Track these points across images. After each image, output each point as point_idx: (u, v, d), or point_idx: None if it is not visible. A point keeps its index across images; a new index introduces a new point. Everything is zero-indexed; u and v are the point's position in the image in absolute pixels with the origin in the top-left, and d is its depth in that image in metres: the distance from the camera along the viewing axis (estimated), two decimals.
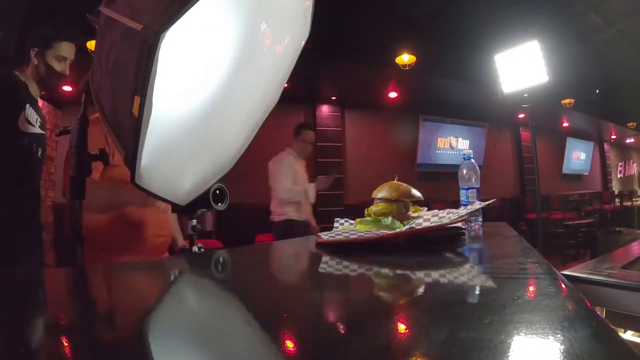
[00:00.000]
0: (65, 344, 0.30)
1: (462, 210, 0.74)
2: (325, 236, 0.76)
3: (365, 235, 0.69)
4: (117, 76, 0.67)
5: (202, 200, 0.81)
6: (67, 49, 1.33)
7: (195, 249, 0.84)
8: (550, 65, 2.96)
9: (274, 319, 0.34)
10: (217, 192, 0.82)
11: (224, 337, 0.32)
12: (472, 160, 0.98)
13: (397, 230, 0.70)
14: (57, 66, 1.32)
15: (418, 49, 4.33)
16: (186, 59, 0.70)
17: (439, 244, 0.67)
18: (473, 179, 0.95)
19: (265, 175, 2.70)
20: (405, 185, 0.80)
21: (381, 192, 0.79)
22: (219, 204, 0.82)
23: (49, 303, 0.46)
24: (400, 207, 0.77)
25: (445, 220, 0.68)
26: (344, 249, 0.68)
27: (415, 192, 0.80)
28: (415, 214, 0.82)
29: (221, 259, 0.75)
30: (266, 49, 0.84)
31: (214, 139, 0.87)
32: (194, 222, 0.84)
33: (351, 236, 0.71)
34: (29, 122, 1.32)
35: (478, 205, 0.81)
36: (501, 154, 7.15)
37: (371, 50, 4.22)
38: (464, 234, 0.73)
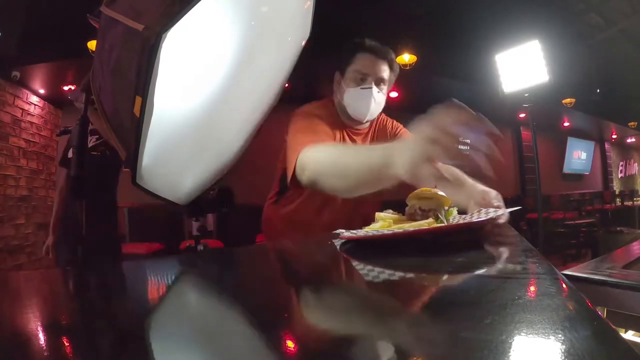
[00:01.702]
0: (61, 343, 0.31)
1: (491, 213, 0.77)
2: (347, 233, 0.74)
3: (395, 231, 0.65)
4: (118, 76, 0.67)
5: (209, 203, 0.83)
6: None
7: (200, 247, 0.87)
8: (551, 64, 2.95)
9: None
10: (224, 194, 0.85)
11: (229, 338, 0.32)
12: None
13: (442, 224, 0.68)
14: None
15: (419, 49, 4.33)
16: (187, 59, 0.70)
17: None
18: None
19: (264, 176, 2.69)
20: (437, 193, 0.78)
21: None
22: (225, 207, 0.85)
23: (48, 302, 0.46)
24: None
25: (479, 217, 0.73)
26: (363, 248, 0.67)
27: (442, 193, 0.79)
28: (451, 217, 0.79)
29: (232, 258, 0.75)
30: (266, 49, 0.85)
31: (215, 139, 0.87)
32: (200, 223, 0.86)
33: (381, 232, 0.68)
34: None
35: (502, 211, 0.81)
36: (501, 154, 7.14)
37: None
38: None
